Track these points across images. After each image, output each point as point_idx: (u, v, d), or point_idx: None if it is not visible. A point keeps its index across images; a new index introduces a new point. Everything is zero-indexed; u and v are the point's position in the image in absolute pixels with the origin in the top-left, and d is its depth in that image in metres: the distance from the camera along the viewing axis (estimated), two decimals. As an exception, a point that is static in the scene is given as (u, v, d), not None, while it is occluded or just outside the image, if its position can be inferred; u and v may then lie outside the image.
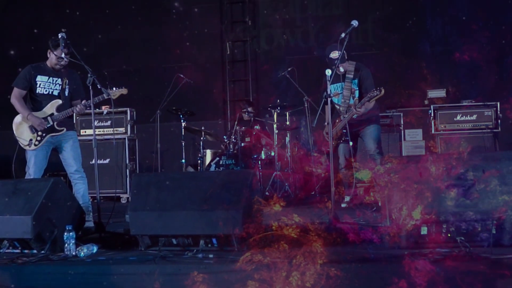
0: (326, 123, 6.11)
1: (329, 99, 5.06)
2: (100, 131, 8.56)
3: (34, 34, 11.11)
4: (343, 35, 5.12)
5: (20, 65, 10.80)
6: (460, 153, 3.93)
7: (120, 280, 3.53)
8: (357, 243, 4.11)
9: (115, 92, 5.57)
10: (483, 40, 8.02)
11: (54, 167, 5.99)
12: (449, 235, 3.77)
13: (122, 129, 8.69)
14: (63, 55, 5.41)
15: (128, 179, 8.55)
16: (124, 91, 5.68)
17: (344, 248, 4.00)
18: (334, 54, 6.06)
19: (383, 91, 5.73)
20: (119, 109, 8.55)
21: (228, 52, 10.72)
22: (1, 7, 11.30)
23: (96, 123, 8.48)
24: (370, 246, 4.01)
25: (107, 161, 8.48)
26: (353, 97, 6.23)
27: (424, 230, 3.80)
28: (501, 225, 3.74)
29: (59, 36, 5.20)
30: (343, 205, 6.43)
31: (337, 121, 6.33)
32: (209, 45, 10.82)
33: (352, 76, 6.22)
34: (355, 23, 5.13)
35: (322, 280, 3.39)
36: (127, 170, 8.56)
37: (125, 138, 8.67)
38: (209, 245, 3.97)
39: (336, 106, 6.34)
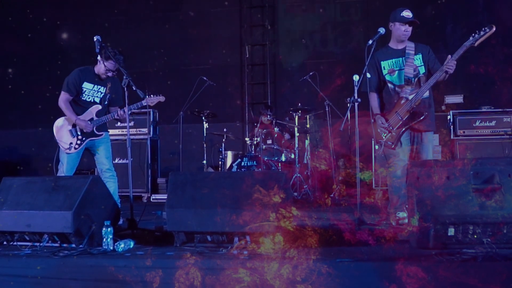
0: (375, 116, 5.39)
1: (356, 104, 5.14)
2: (123, 131, 8.72)
3: (54, 34, 11.37)
4: (370, 41, 5.07)
5: (35, 69, 11.17)
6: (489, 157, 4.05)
7: (160, 274, 3.67)
8: (379, 245, 4.23)
9: (153, 100, 5.81)
10: (501, 56, 8.15)
11: (80, 165, 6.15)
12: (475, 236, 3.88)
13: (145, 130, 8.88)
14: (111, 67, 5.71)
15: (150, 179, 8.75)
16: (161, 98, 5.92)
17: (362, 249, 4.10)
18: (409, 13, 5.24)
19: (494, 28, 4.83)
20: (142, 110, 8.73)
21: (247, 56, 10.88)
22: (21, 6, 11.51)
23: (119, 123, 8.68)
24: (395, 245, 4.15)
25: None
26: (416, 76, 5.25)
27: (451, 231, 3.91)
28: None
29: (94, 39, 5.37)
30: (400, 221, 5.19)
31: (401, 102, 5.24)
32: (229, 48, 11.00)
33: (413, 51, 5.32)
34: (382, 30, 5.13)
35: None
36: (149, 170, 8.75)
37: (147, 139, 8.85)
38: (243, 242, 4.11)
39: (391, 86, 5.37)
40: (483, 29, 4.85)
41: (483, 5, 9.61)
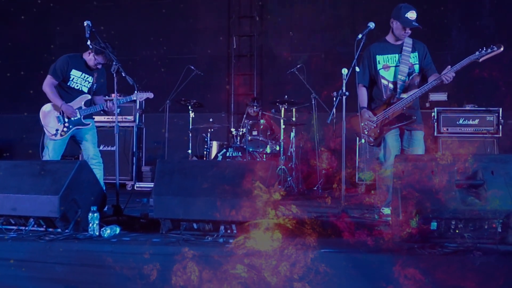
0: (362, 110, 5.39)
1: (343, 97, 5.17)
2: (109, 118, 8.71)
3: (42, 23, 11.27)
4: (360, 36, 5.07)
5: (24, 53, 11.05)
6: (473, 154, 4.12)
7: (146, 260, 3.69)
8: (361, 239, 4.29)
9: (141, 95, 5.89)
10: (505, 60, 8.17)
11: (64, 151, 6.14)
12: (457, 231, 3.95)
13: (130, 118, 8.87)
14: (101, 61, 5.79)
15: (134, 167, 8.74)
16: (150, 95, 6.03)
17: (345, 240, 4.15)
18: (413, 14, 5.14)
19: (502, 48, 4.77)
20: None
21: (235, 47, 10.88)
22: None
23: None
24: (378, 237, 4.22)
25: (114, 148, 8.63)
26: (410, 74, 5.22)
27: (433, 226, 3.98)
28: (506, 224, 3.93)
29: (85, 24, 5.35)
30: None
31: (392, 101, 5.23)
32: (216, 38, 10.99)
33: (410, 48, 5.27)
34: (371, 25, 5.10)
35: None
36: (134, 158, 8.74)
37: (133, 127, 8.84)
38: (229, 231, 4.15)
39: (384, 82, 5.33)
40: (491, 46, 4.79)
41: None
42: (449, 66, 4.98)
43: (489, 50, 4.80)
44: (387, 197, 5.21)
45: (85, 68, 5.88)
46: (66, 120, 5.77)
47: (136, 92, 5.73)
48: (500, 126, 7.79)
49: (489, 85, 8.74)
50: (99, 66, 5.88)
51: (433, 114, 8.06)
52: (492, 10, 9.66)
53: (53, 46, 11.02)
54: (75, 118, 5.78)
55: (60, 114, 5.77)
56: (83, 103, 5.86)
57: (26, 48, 11.18)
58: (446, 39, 9.65)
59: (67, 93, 5.82)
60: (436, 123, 8.02)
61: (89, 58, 5.82)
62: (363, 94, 5.44)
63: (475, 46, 4.99)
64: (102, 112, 6.05)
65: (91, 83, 5.92)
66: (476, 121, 7.90)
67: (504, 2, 9.52)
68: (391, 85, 5.30)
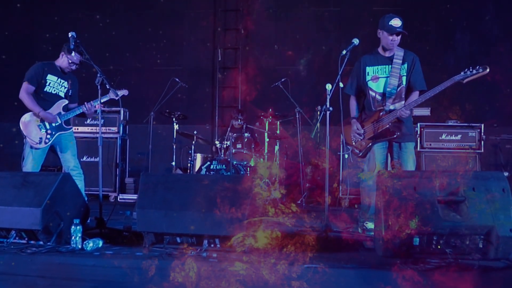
0: (351, 120, 5.43)
1: (327, 113, 5.20)
2: (92, 129, 8.70)
3: (25, 33, 11.20)
4: (344, 52, 5.10)
5: (9, 65, 10.96)
6: (455, 171, 4.16)
7: (128, 274, 3.67)
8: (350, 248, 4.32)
9: (118, 93, 5.87)
10: (508, 63, 8.19)
11: (46, 162, 6.10)
12: (439, 246, 3.98)
13: (114, 129, 8.83)
14: (75, 60, 5.80)
15: (118, 178, 8.70)
16: (125, 92, 6.05)
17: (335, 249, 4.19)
18: (397, 22, 5.14)
19: (488, 70, 4.73)
20: (113, 109, 8.72)
21: (220, 59, 10.89)
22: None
23: (88, 121, 8.66)
24: (361, 252, 4.24)
25: (97, 159, 8.59)
26: (399, 86, 5.23)
27: (416, 241, 4.01)
28: (487, 240, 3.97)
29: (69, 35, 5.34)
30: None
31: (380, 114, 5.25)
32: (201, 50, 11.00)
33: (400, 60, 5.23)
34: (356, 41, 5.15)
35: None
36: (118, 170, 8.70)
37: (117, 138, 8.81)
38: (212, 245, 4.15)
39: (372, 93, 5.34)
40: (477, 67, 4.76)
41: (493, 12, 9.70)
42: (403, 103, 5.16)
43: (474, 72, 4.78)
44: (370, 211, 5.22)
45: (60, 73, 5.91)
46: (49, 127, 5.75)
47: (111, 90, 5.67)
48: (482, 142, 7.87)
49: (472, 101, 8.82)
50: (73, 67, 5.87)
51: (416, 129, 8.12)
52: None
53: (33, 56, 10.90)
54: (56, 123, 5.76)
55: (41, 122, 5.74)
56: (61, 108, 5.85)
57: (10, 57, 11.10)
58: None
59: (45, 100, 5.80)
60: (419, 138, 8.09)
61: (62, 60, 5.86)
62: (352, 104, 5.53)
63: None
64: (81, 116, 6.03)
65: (67, 88, 5.93)
66: (459, 137, 7.99)
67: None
68: (378, 97, 5.31)
